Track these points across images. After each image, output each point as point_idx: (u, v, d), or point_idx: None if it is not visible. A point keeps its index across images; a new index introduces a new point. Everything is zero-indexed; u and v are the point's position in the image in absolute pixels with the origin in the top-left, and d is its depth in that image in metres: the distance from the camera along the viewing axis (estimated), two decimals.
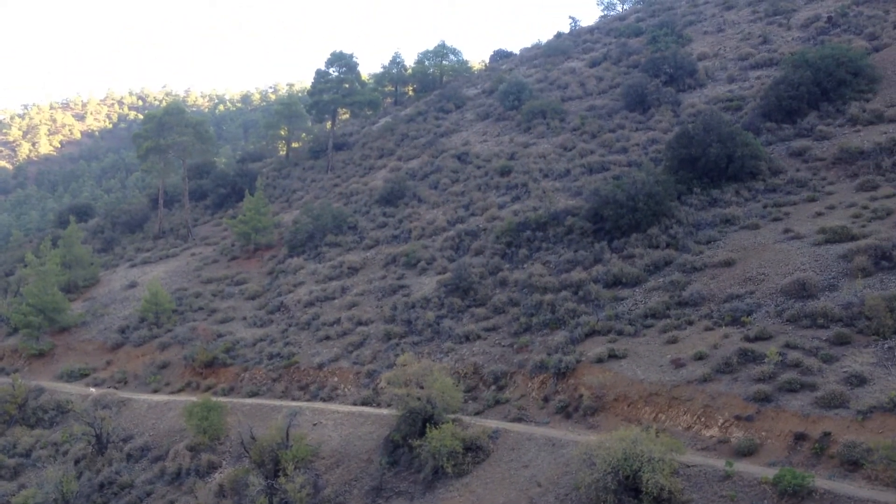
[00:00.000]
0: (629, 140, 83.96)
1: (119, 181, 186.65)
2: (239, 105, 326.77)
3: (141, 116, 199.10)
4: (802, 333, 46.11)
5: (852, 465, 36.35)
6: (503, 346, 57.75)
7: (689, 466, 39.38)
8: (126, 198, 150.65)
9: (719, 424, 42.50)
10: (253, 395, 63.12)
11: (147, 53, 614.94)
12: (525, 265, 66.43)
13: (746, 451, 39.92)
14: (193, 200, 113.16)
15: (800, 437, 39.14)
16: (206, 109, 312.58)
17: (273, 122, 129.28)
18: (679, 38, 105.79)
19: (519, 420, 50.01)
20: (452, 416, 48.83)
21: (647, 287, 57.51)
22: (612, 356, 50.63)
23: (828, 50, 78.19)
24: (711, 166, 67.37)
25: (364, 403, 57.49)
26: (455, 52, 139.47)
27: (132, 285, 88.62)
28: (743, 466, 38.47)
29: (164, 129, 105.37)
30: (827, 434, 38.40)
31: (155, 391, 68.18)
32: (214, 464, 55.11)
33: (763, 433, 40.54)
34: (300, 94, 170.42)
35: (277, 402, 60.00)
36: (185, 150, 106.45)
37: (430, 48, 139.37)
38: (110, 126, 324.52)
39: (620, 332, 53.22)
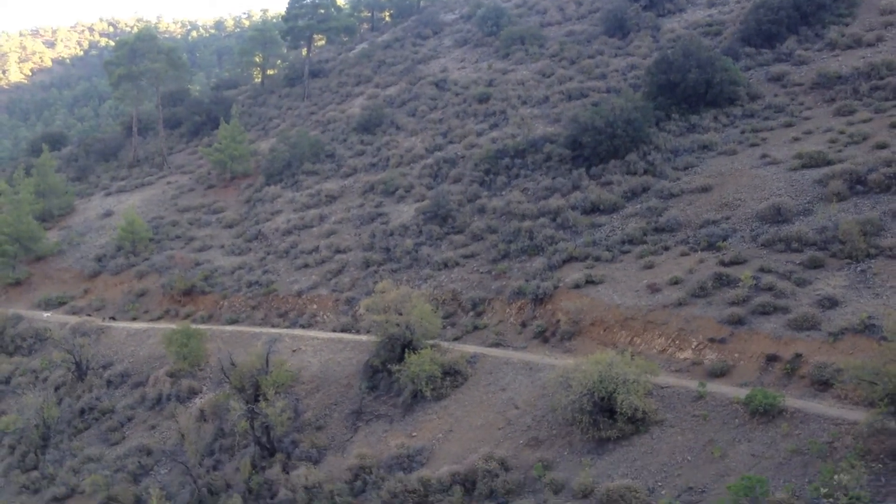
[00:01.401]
0: (608, 66, 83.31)
1: (92, 109, 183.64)
2: (212, 31, 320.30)
3: (112, 44, 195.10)
4: (776, 257, 46.64)
5: (822, 384, 37.15)
6: (481, 272, 58.04)
7: (662, 388, 40.14)
8: (100, 126, 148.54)
9: (693, 347, 43.20)
10: (232, 322, 63.34)
11: None
12: (503, 192, 66.39)
13: (719, 373, 40.69)
14: (168, 128, 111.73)
15: (772, 359, 39.89)
16: (179, 36, 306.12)
17: (247, 49, 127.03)
18: None
19: (497, 345, 50.58)
20: (431, 341, 49.29)
21: (625, 213, 57.75)
22: (590, 282, 51.07)
23: None
24: (690, 92, 67.13)
25: (343, 330, 57.88)
26: None
27: (108, 214, 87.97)
28: (715, 387, 39.24)
29: (136, 55, 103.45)
30: (798, 355, 39.13)
31: (134, 319, 68.25)
32: (195, 389, 55.58)
33: (736, 355, 41.27)
34: (275, 21, 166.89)
35: (257, 329, 60.31)
36: (158, 78, 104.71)
37: None
38: (81, 54, 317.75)
39: (598, 259, 53.59)
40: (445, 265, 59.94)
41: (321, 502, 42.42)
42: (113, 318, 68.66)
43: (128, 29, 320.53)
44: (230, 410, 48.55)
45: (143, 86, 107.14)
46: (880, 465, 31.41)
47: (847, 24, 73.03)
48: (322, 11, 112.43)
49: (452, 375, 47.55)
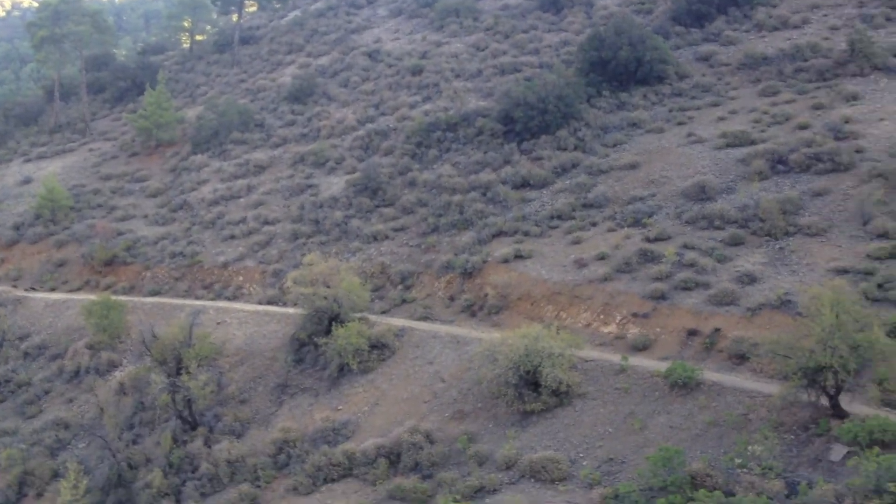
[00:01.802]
0: (541, 41, 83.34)
1: (13, 72, 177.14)
2: None
3: (36, 5, 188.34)
4: (699, 234, 47.54)
5: (739, 358, 38.16)
6: (411, 246, 57.87)
7: (587, 361, 40.74)
8: (20, 89, 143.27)
9: (617, 321, 43.87)
10: (155, 294, 62.04)
11: None
12: (434, 166, 66.13)
13: (641, 347, 41.45)
14: (91, 94, 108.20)
15: (692, 333, 40.78)
16: None
17: (176, 13, 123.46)
18: None
19: (425, 319, 50.60)
20: (359, 314, 49.06)
21: (554, 189, 58.08)
22: (518, 256, 51.38)
23: None
24: (621, 69, 67.65)
25: (270, 303, 57.18)
26: None
27: (27, 181, 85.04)
28: (638, 361, 39.97)
29: (59, 17, 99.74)
30: (717, 330, 40.10)
31: (52, 289, 66.34)
32: (115, 362, 54.43)
33: (658, 329, 42.04)
34: None
35: (180, 301, 59.19)
36: (83, 41, 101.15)
37: None
38: (3, 14, 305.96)
39: (527, 233, 53.88)
40: (375, 238, 59.58)
41: (244, 476, 42.08)
42: (33, 289, 66.71)
43: None
44: (151, 384, 47.65)
45: (66, 49, 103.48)
46: (792, 437, 32.45)
47: (774, 6, 74.37)
48: None
49: (380, 349, 47.46)
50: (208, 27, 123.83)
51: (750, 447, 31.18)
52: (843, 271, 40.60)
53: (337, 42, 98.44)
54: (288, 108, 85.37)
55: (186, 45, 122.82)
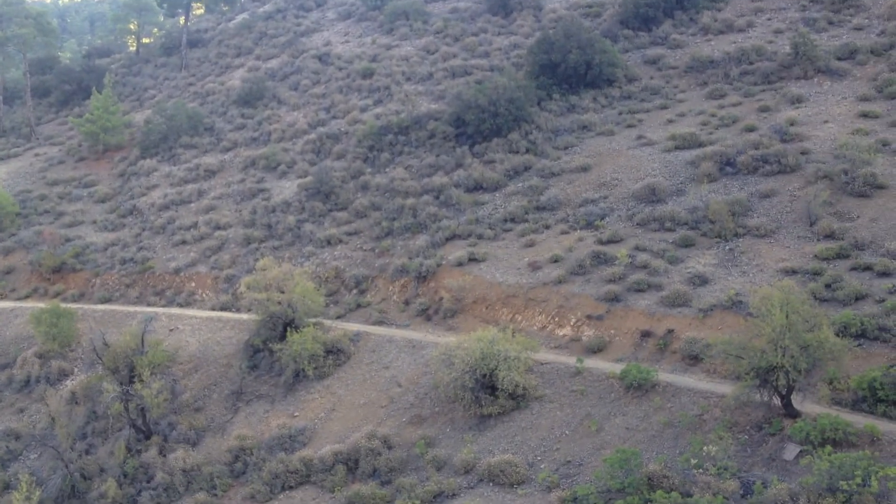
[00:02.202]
0: (491, 44, 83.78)
1: None
2: None
3: None
4: (651, 236, 48.23)
5: (693, 359, 38.78)
6: (365, 250, 57.79)
7: (542, 364, 41.06)
8: None
9: (572, 324, 44.29)
10: (105, 301, 61.09)
11: None
12: (387, 169, 66.11)
13: (596, 349, 41.91)
14: (36, 97, 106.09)
15: (646, 335, 41.34)
16: (49, 1, 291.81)
17: (122, 16, 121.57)
18: None
19: (380, 323, 50.58)
20: (314, 319, 48.87)
21: (507, 192, 58.46)
22: (472, 260, 51.64)
23: None
24: (571, 72, 68.33)
25: (223, 309, 56.68)
26: None
27: None
28: (593, 363, 40.42)
29: (2, 20, 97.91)
30: (670, 331, 40.71)
31: None
32: (66, 371, 53.48)
33: (612, 331, 42.55)
34: None
35: (131, 308, 58.36)
36: (26, 44, 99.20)
37: None
38: None
39: (480, 236, 54.16)
40: (328, 242, 59.39)
41: (200, 485, 41.65)
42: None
43: None
44: (103, 392, 46.90)
45: (9, 52, 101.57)
46: (746, 437, 33.05)
47: (720, 10, 75.70)
48: None
49: (335, 354, 47.31)
50: (155, 30, 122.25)
51: (705, 447, 31.72)
52: (791, 272, 41.54)
53: (286, 45, 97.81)
54: (238, 112, 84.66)
55: (133, 48, 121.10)
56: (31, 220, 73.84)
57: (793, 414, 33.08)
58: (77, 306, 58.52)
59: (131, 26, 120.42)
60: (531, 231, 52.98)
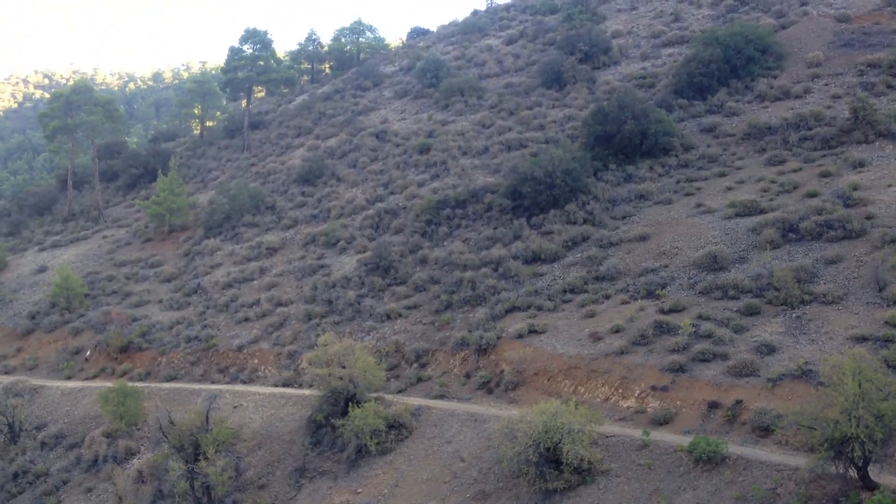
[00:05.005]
0: (546, 117, 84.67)
1: (26, 162, 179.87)
2: (150, 83, 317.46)
3: (48, 96, 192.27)
4: (714, 305, 47.46)
5: (763, 431, 37.67)
6: (424, 323, 57.90)
7: (607, 437, 40.28)
8: (34, 179, 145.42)
9: (636, 395, 43.51)
10: (171, 379, 61.98)
11: (53, 33, 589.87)
12: (445, 243, 66.62)
13: (662, 421, 41.01)
14: (104, 181, 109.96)
15: (713, 406, 40.38)
16: (116, 88, 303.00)
17: (186, 101, 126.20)
18: (593, 15, 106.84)
19: (441, 397, 50.33)
20: (375, 394, 48.83)
21: (566, 262, 58.34)
22: (532, 331, 51.30)
23: (737, 27, 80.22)
24: (626, 143, 68.56)
25: (285, 385, 57.03)
26: (372, 29, 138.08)
27: (42, 270, 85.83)
28: (659, 435, 39.52)
29: (71, 107, 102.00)
30: (739, 402, 39.69)
31: (68, 378, 66.35)
32: (132, 450, 54.06)
33: (678, 402, 41.67)
34: (214, 72, 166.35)
35: (196, 386, 59.06)
36: (94, 130, 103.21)
37: (347, 25, 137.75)
38: (15, 106, 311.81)
39: (540, 308, 53.92)
40: (388, 317, 59.69)
41: None
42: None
43: (63, 81, 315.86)
44: (169, 471, 47.27)
45: (78, 138, 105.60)
46: None
47: (775, 77, 75.55)
48: (262, 63, 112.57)
49: (397, 429, 47.09)
50: (218, 113, 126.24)
51: None
52: (862, 339, 40.43)
53: (344, 124, 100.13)
54: (298, 190, 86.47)
55: (197, 132, 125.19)
56: (100, 301, 75.77)
57: (871, 486, 31.87)
58: (143, 385, 59.48)
59: (195, 110, 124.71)
60: (591, 301, 52.60)
